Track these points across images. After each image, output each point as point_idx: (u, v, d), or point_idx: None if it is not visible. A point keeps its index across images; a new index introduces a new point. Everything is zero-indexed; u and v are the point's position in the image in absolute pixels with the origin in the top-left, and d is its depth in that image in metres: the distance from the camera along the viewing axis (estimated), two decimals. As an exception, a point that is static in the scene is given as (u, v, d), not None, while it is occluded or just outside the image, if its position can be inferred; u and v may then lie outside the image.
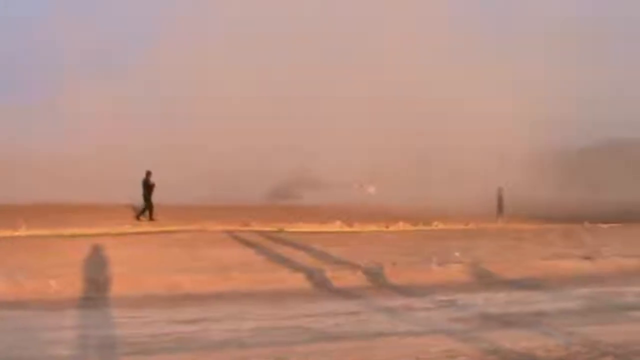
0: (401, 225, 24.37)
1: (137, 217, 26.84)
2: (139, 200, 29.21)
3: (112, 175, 47.74)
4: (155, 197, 28.30)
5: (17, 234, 20.25)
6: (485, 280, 13.06)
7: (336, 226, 24.33)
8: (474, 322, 9.08)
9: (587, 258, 15.21)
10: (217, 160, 48.98)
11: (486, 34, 57.06)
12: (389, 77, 54.14)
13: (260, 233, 21.17)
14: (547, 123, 52.63)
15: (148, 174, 26.97)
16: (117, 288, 11.45)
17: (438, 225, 24.88)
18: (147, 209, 26.77)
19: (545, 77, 54.60)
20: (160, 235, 20.32)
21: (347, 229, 23.92)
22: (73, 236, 19.33)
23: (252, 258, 15.16)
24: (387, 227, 23.97)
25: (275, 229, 22.62)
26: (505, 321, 9.16)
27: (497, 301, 10.75)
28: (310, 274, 12.91)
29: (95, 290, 11.37)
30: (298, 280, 12.51)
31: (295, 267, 13.72)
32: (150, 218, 26.57)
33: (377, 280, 12.76)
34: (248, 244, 18.11)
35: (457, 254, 15.47)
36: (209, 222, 23.91)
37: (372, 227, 24.02)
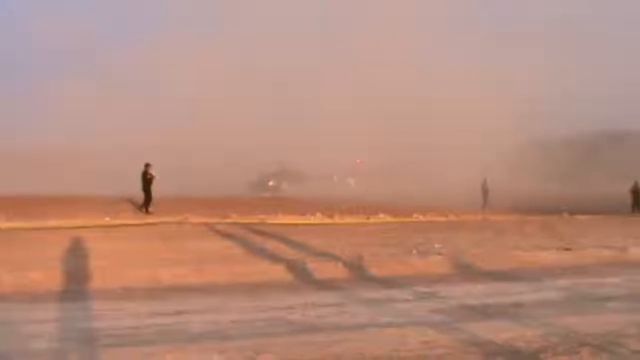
0: (382, 217, 24.46)
1: (145, 210, 26.49)
2: (131, 193, 29.18)
3: (94, 168, 47.67)
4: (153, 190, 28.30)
5: (-4, 226, 20.04)
6: (466, 272, 13.11)
7: (317, 218, 24.37)
8: (454, 314, 9.12)
9: (566, 249, 15.31)
10: (200, 155, 49.23)
11: (471, 33, 57.47)
12: (374, 77, 54.60)
13: (241, 225, 21.13)
14: (528, 118, 53.13)
15: (147, 166, 26.76)
16: (98, 281, 11.41)
17: (418, 217, 24.94)
18: (148, 201, 26.62)
19: (529, 74, 55.05)
20: (141, 228, 20.24)
21: (327, 220, 23.93)
22: (53, 229, 19.17)
23: (233, 250, 15.14)
24: (367, 218, 24.02)
25: (256, 221, 22.56)
26: (485, 312, 9.23)
27: (477, 292, 10.81)
28: (291, 265, 12.91)
29: (76, 283, 11.30)
30: (279, 272, 12.51)
31: (276, 259, 13.72)
32: (146, 210, 26.32)
33: (357, 272, 12.77)
34: (229, 236, 18.08)
35: (437, 245, 15.60)
36: (190, 215, 23.79)
37: (353, 219, 24.09)
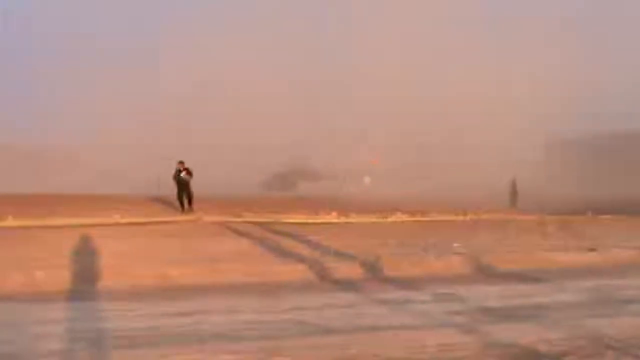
0: (399, 216, 24.31)
1: (189, 208, 26.03)
2: (138, 191, 29.16)
3: (105, 166, 47.80)
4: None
5: (3, 224, 20.04)
6: (486, 272, 13.00)
7: (332, 217, 24.27)
8: (473, 316, 9.01)
9: (590, 250, 15.12)
10: (215, 154, 49.29)
11: (493, 31, 57.20)
12: (390, 77, 54.40)
13: (255, 224, 21.06)
14: (554, 117, 52.77)
15: (180, 163, 25.81)
16: (106, 280, 11.38)
17: (437, 216, 24.76)
18: (188, 199, 26.05)
19: (555, 72, 54.67)
20: (152, 226, 20.20)
21: (343, 219, 23.83)
22: (61, 227, 19.16)
23: (246, 249, 15.05)
24: (384, 218, 23.89)
25: (270, 220, 22.50)
26: (506, 314, 9.11)
27: (498, 294, 10.68)
28: (305, 265, 12.82)
29: (84, 282, 11.25)
30: (293, 272, 12.41)
31: (290, 258, 13.63)
32: (189, 208, 25.96)
33: (374, 272, 12.67)
34: (243, 235, 18.02)
35: (456, 245, 15.43)
36: (204, 213, 23.74)
37: (370, 218, 23.97)
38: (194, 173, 25.90)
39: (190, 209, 25.44)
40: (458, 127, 53.41)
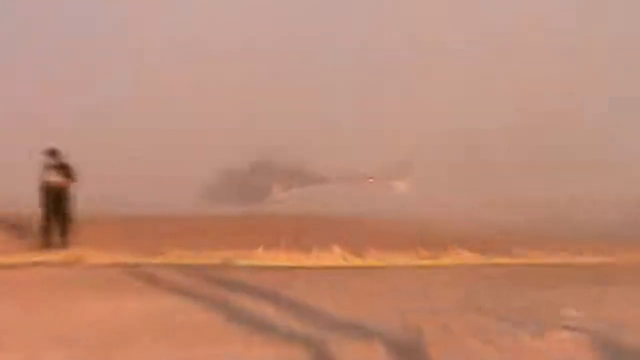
0: (457, 254, 16.64)
1: (61, 239, 17.90)
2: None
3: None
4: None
5: None
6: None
7: (333, 256, 16.76)
8: None
9: None
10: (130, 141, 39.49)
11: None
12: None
13: (188, 269, 13.66)
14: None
15: (50, 154, 16.05)
16: None
17: (526, 256, 17.00)
18: (61, 223, 15.86)
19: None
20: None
21: (353, 261, 16.63)
22: None
23: (173, 319, 9.26)
24: (431, 257, 16.40)
25: (216, 261, 14.93)
26: None
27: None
28: (291, 349, 8.15)
29: None
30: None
31: (262, 336, 8.59)
32: (48, 240, 17.12)
33: (412, 361, 8.15)
34: (163, 290, 11.55)
35: (566, 311, 9.99)
36: (91, 249, 15.60)
37: (402, 258, 16.65)
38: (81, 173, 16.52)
39: (64, 241, 16.16)
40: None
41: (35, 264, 14.00)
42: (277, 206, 30.31)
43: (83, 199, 17.01)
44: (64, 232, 15.92)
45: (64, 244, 15.70)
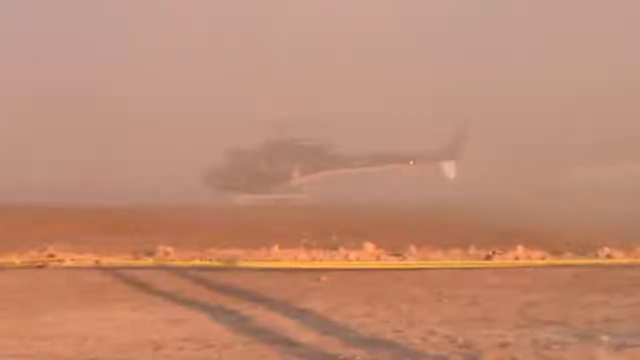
0: (520, 254, 14.73)
1: None
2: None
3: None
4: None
5: None
6: None
7: (364, 255, 15.57)
8: None
9: None
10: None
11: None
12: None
13: (185, 271, 12.68)
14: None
15: None
16: None
17: (612, 257, 14.72)
18: None
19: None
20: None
21: (390, 261, 14.66)
22: None
23: (169, 335, 7.98)
24: (487, 256, 14.73)
25: (219, 262, 13.83)
26: None
27: None
28: None
29: None
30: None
31: (277, 352, 7.35)
32: None
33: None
34: (160, 296, 10.38)
35: None
36: (72, 246, 14.97)
37: (451, 259, 14.66)
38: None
39: None
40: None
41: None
42: (297, 195, 28.33)
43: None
44: None
45: None
